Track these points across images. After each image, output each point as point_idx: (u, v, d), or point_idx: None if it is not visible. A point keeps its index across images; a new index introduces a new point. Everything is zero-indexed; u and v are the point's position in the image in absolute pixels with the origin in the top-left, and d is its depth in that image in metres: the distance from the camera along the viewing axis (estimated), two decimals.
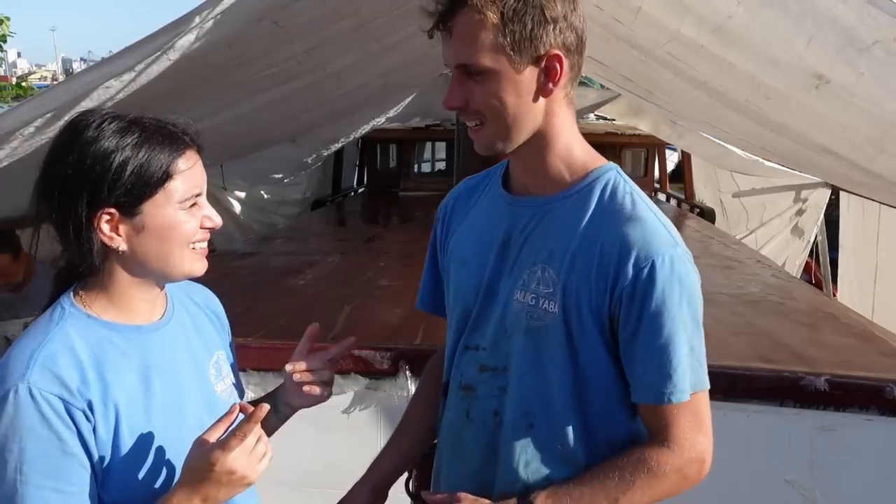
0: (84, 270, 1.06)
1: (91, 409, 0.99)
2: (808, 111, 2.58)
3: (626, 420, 1.18)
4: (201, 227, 1.09)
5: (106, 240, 1.03)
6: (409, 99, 5.83)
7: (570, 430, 1.17)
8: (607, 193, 1.15)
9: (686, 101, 3.75)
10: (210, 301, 1.32)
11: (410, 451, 1.47)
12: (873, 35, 1.85)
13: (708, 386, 1.14)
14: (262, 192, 6.07)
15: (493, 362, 1.21)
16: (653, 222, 1.12)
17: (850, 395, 2.00)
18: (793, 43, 2.11)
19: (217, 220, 1.11)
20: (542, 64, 1.10)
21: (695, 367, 1.11)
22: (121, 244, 1.04)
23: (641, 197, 1.16)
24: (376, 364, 2.16)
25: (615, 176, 1.17)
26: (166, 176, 1.04)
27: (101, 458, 1.00)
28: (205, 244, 1.12)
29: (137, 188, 1.02)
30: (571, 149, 1.18)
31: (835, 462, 2.04)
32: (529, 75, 1.10)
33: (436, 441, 1.41)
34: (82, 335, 1.03)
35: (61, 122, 2.09)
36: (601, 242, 1.11)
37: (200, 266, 1.11)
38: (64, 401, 0.97)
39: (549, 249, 1.15)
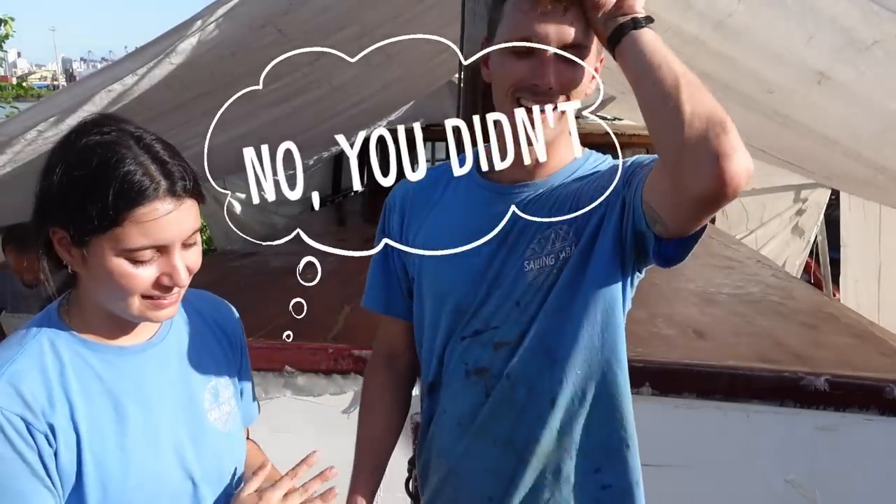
0: (68, 281, 1.00)
1: (53, 432, 0.92)
2: (811, 105, 2.59)
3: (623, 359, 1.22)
4: (157, 284, 0.95)
5: (64, 257, 0.96)
6: (409, 105, 5.85)
7: (588, 363, 1.19)
8: (593, 158, 1.25)
9: None
10: (220, 316, 1.22)
11: (387, 453, 1.44)
12: (873, 35, 1.85)
13: None
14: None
15: (506, 337, 1.21)
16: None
17: (850, 395, 2.00)
18: (793, 41, 2.11)
19: (179, 279, 0.96)
20: (596, 63, 1.16)
21: None
22: (73, 266, 0.97)
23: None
24: None
25: (600, 153, 1.27)
26: (112, 221, 0.90)
27: (65, 484, 0.94)
28: (171, 297, 0.98)
29: (80, 219, 0.91)
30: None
31: (835, 462, 2.04)
32: (591, 70, 1.13)
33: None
34: (56, 352, 0.97)
35: (63, 126, 2.10)
36: (596, 175, 1.18)
37: (161, 314, 0.99)
38: (26, 421, 0.91)
39: (549, 212, 1.16)
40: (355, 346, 2.20)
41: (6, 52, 6.45)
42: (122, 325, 1.02)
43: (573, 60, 1.07)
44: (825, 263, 5.82)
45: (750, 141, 4.08)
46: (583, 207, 1.11)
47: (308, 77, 3.10)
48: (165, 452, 1.03)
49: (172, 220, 0.93)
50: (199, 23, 1.91)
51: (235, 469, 1.15)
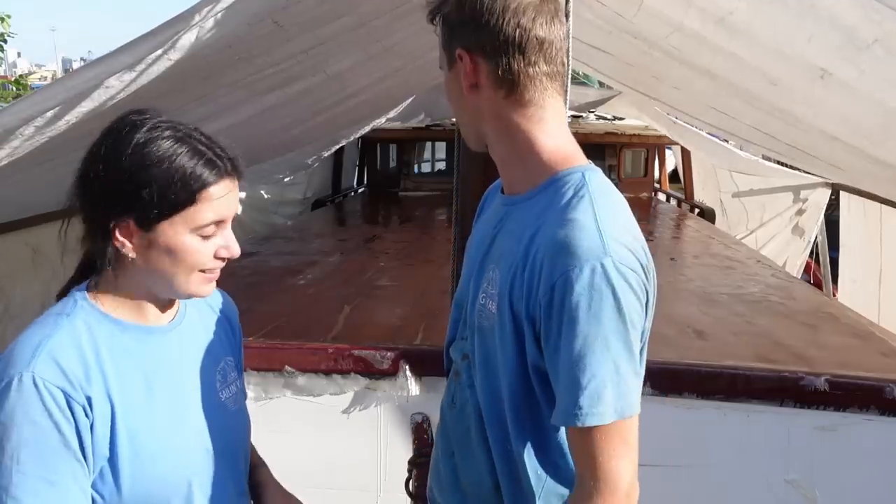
0: (101, 267, 1.06)
1: (90, 404, 0.98)
2: (813, 100, 2.59)
3: (557, 439, 1.14)
4: (215, 257, 1.07)
5: (118, 246, 1.03)
6: (410, 100, 5.84)
7: (513, 435, 1.14)
8: (561, 194, 1.08)
9: (691, 90, 3.75)
10: (225, 304, 1.31)
11: None
12: (874, 33, 1.85)
13: (637, 411, 1.03)
14: (262, 192, 6.07)
15: (470, 351, 1.23)
16: (588, 227, 1.01)
17: (850, 395, 2.00)
18: (794, 39, 2.12)
19: (234, 252, 1.09)
20: (457, 63, 1.15)
21: (621, 390, 1.01)
22: (131, 253, 1.04)
23: (595, 199, 1.06)
24: (376, 364, 2.16)
25: (579, 178, 1.09)
26: (191, 201, 1.02)
27: (98, 456, 1.00)
28: (217, 271, 1.10)
29: (158, 207, 1.01)
30: (539, 152, 1.13)
31: (835, 462, 2.04)
32: (454, 73, 1.16)
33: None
34: (90, 330, 1.03)
35: (62, 122, 2.08)
36: (534, 246, 1.05)
37: (206, 289, 1.10)
38: (66, 393, 0.96)
39: (502, 250, 1.15)
40: (355, 346, 2.20)
41: (6, 52, 6.42)
42: (148, 308, 1.10)
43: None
44: (825, 263, 5.82)
45: (751, 136, 4.09)
46: (508, 275, 1.09)
47: (303, 64, 3.08)
48: (188, 428, 1.11)
49: (233, 196, 1.07)
50: (196, 17, 1.89)
51: (245, 444, 1.25)
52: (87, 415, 0.98)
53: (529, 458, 1.14)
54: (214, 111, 3.00)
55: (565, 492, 1.15)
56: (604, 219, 1.03)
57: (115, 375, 1.02)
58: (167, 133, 1.03)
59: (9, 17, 6.48)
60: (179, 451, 1.08)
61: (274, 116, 3.67)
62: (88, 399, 0.98)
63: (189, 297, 1.10)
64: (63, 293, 1.09)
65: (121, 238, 1.03)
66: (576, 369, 1.00)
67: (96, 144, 1.04)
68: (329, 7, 2.54)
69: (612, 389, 1.00)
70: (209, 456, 1.13)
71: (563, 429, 1.12)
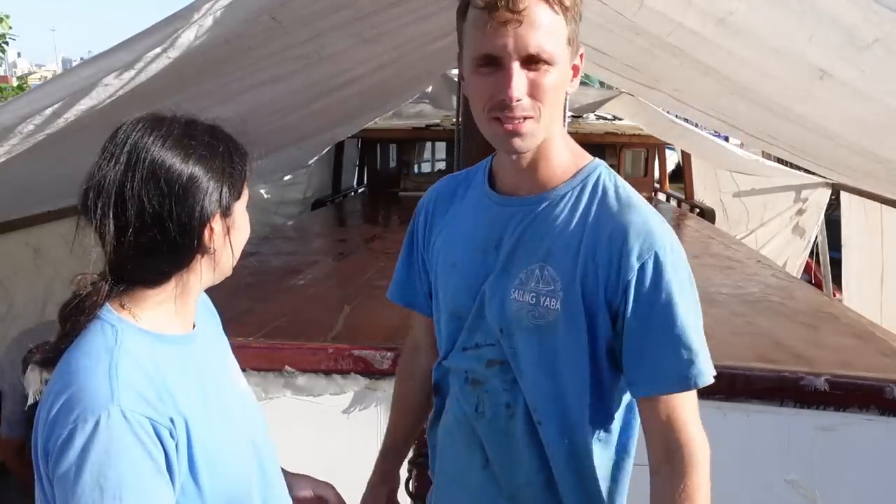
0: (150, 279, 1.02)
1: (174, 425, 0.97)
2: (814, 99, 2.59)
3: (618, 414, 1.22)
4: None
5: (208, 240, 1.04)
6: (410, 101, 5.85)
7: (577, 425, 1.18)
8: (600, 189, 1.17)
9: (692, 88, 3.75)
10: (207, 301, 1.30)
11: (407, 441, 1.55)
12: (874, 33, 1.85)
13: (714, 375, 1.14)
14: (262, 192, 6.07)
15: (501, 356, 1.21)
16: (649, 213, 1.13)
17: (850, 395, 2.00)
18: (794, 39, 2.12)
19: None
20: (575, 60, 1.13)
21: (707, 354, 1.12)
22: (216, 244, 1.06)
23: (632, 190, 1.19)
24: (376, 364, 2.16)
25: (604, 171, 1.19)
26: (245, 176, 1.09)
27: (182, 473, 0.99)
28: None
29: (236, 189, 1.07)
30: (564, 147, 1.20)
31: (835, 462, 2.04)
32: (569, 71, 1.13)
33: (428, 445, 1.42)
34: (142, 351, 0.99)
35: (61, 121, 2.08)
36: (601, 235, 1.12)
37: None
38: (152, 420, 0.94)
39: (547, 247, 1.15)
40: (355, 346, 2.20)
41: (6, 52, 6.41)
42: (182, 315, 1.09)
43: (539, 68, 1.06)
44: (825, 263, 5.82)
45: (751, 133, 4.10)
46: (576, 268, 1.12)
47: (299, 49, 3.07)
48: (237, 425, 1.12)
49: None
50: (195, 15, 1.89)
51: (267, 427, 1.26)
52: (172, 436, 0.96)
53: (595, 443, 1.19)
54: (208, 105, 3.00)
55: (628, 469, 1.23)
56: (650, 207, 1.16)
57: (179, 391, 1.00)
58: (202, 124, 1.07)
59: (7, 17, 6.43)
60: (238, 449, 1.10)
61: (270, 102, 3.65)
62: (172, 420, 0.97)
63: (228, 275, 1.14)
64: (81, 314, 1.00)
65: (212, 235, 1.04)
66: (680, 339, 1.09)
67: (149, 155, 0.98)
68: (327, 3, 2.54)
69: (704, 353, 1.11)
70: (255, 447, 1.15)
71: (627, 410, 1.21)
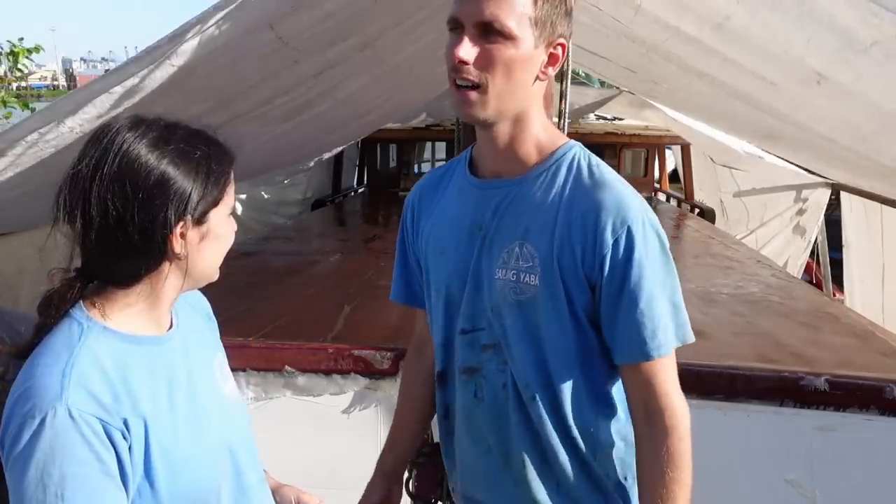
0: (118, 279, 1.02)
1: (127, 427, 0.96)
2: (810, 104, 2.59)
3: (608, 382, 1.24)
4: None
5: (176, 247, 1.01)
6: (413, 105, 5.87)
7: (568, 396, 1.21)
8: (575, 167, 1.20)
9: (690, 92, 3.76)
10: (200, 301, 1.29)
11: (412, 438, 1.53)
12: (872, 36, 1.85)
13: (693, 339, 1.20)
14: (262, 192, 6.07)
15: (493, 339, 1.24)
16: (623, 189, 1.16)
17: (850, 395, 2.00)
18: (791, 43, 2.12)
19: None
20: (551, 49, 1.15)
21: (680, 322, 1.17)
22: (185, 249, 1.02)
23: (607, 168, 1.21)
24: (376, 364, 2.16)
25: (579, 151, 1.23)
26: (227, 182, 1.06)
27: (136, 475, 0.97)
28: None
29: (211, 197, 1.03)
30: (542, 129, 1.22)
31: (835, 462, 2.04)
32: (538, 55, 1.14)
33: (436, 441, 1.42)
34: (106, 350, 0.99)
35: (63, 128, 2.09)
36: (576, 212, 1.15)
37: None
38: (102, 421, 0.93)
39: (525, 226, 1.19)
40: (355, 346, 2.20)
41: (4, 52, 6.41)
42: (156, 317, 1.08)
43: (496, 40, 1.10)
44: (825, 264, 5.82)
45: (750, 135, 4.09)
46: (552, 243, 1.15)
47: (314, 90, 3.10)
48: (209, 429, 1.10)
49: None
50: (198, 26, 1.91)
51: (252, 433, 1.24)
52: (125, 438, 0.95)
53: (582, 415, 1.22)
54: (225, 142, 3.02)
55: (615, 440, 1.25)
56: (625, 183, 1.19)
57: (141, 392, 0.99)
58: (186, 129, 1.05)
59: (22, 41, 6.39)
60: (207, 454, 1.08)
61: (284, 140, 3.69)
62: (125, 422, 0.95)
63: (210, 281, 1.12)
64: (51, 309, 1.01)
65: (177, 241, 1.01)
66: (645, 313, 1.13)
67: (135, 151, 0.98)
68: (333, 25, 2.51)
69: (672, 321, 1.15)
70: (230, 453, 1.14)
71: (611, 379, 1.24)
